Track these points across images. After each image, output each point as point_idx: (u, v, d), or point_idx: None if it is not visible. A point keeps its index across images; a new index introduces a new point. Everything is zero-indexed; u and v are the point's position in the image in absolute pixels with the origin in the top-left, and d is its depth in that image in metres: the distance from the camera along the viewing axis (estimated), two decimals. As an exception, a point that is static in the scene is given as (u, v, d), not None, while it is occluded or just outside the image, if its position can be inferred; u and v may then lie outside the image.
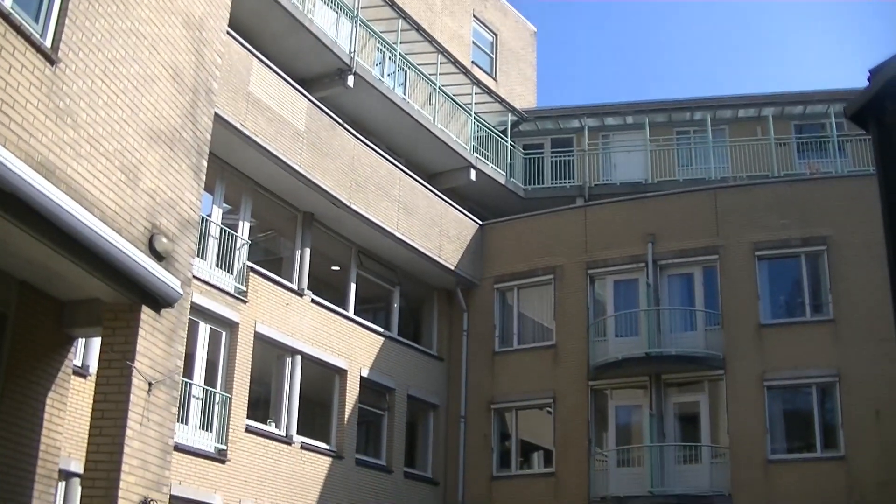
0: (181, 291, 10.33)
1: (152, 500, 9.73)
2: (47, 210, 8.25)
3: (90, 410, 9.89)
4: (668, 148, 34.28)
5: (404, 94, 31.26)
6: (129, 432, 9.55)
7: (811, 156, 32.71)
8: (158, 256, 10.12)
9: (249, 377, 22.63)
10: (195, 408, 21.06)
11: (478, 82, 34.37)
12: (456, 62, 33.09)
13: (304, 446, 24.03)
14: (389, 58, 31.29)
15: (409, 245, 27.50)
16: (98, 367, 10.07)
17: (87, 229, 8.74)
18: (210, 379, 21.82)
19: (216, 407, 21.59)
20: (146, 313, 9.90)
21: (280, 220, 25.72)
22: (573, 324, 28.43)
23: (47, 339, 10.45)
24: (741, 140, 33.35)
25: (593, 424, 27.63)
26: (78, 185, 9.06)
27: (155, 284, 9.82)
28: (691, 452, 26.44)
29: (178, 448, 17.54)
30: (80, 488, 10.47)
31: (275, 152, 22.82)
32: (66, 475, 16.16)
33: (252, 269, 23.18)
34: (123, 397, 9.64)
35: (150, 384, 9.84)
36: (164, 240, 10.20)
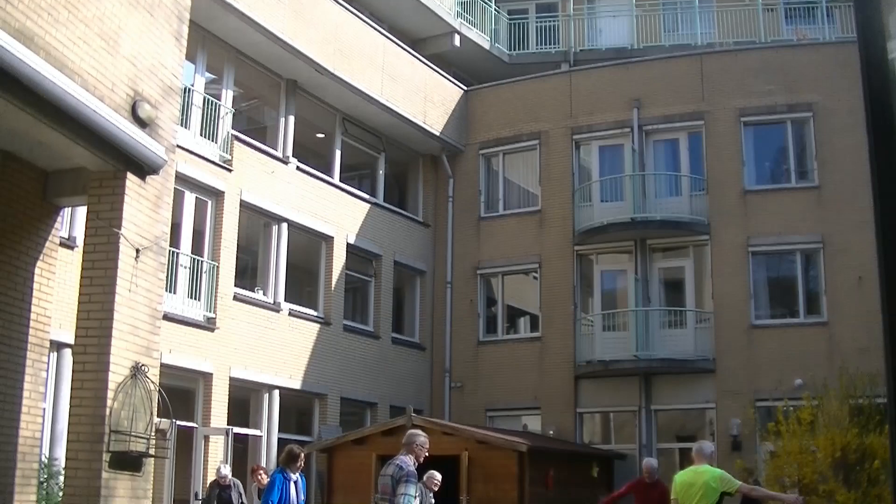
0: (166, 158, 10.26)
1: (143, 365, 9.82)
2: (28, 78, 8.14)
3: (78, 279, 9.92)
4: (654, 13, 33.79)
5: (387, -42, 30.68)
6: (118, 298, 9.59)
7: (799, 21, 32.28)
8: (142, 123, 10.02)
9: (236, 245, 22.72)
10: (183, 277, 21.17)
11: (462, -55, 33.75)
12: (439, -76, 32.43)
13: (291, 313, 24.23)
14: (372, -80, 30.62)
15: (394, 111, 27.31)
16: (85, 236, 10.05)
17: (69, 97, 8.64)
18: (197, 248, 21.89)
19: (204, 275, 21.70)
20: (131, 180, 9.85)
21: (263, 88, 25.51)
22: (558, 189, 28.46)
23: (33, 209, 10.41)
24: (728, 5, 32.89)
25: (579, 289, 27.87)
26: (58, 52, 8.92)
27: (139, 151, 9.75)
28: (676, 317, 26.76)
29: (167, 317, 17.67)
30: (71, 357, 10.54)
31: (256, 19, 22.47)
32: (57, 346, 16.33)
33: (236, 138, 23.06)
34: (111, 264, 9.64)
35: (137, 251, 9.85)
36: (147, 106, 10.10)
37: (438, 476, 15.97)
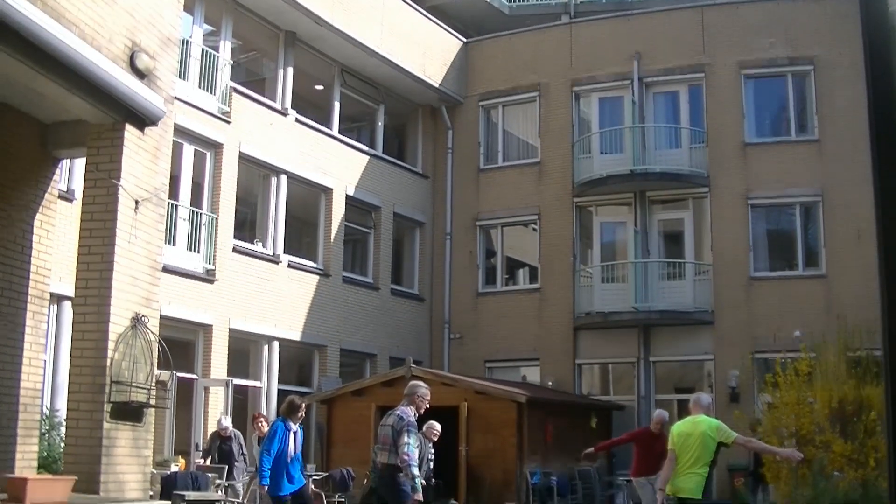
0: (164, 109, 10.24)
1: (143, 316, 9.86)
2: (26, 28, 8.09)
3: (78, 232, 9.93)
4: (655, -37, 33.58)
5: None
6: (117, 250, 9.60)
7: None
8: (140, 74, 9.99)
9: (235, 197, 22.70)
10: (182, 229, 21.17)
11: None
12: None
13: (291, 265, 24.27)
14: None
15: (393, 63, 27.18)
16: (84, 187, 10.05)
17: (66, 48, 8.60)
18: (196, 200, 21.88)
19: (203, 228, 21.71)
20: (130, 132, 9.83)
21: (262, 40, 25.38)
22: (558, 141, 28.40)
23: (32, 162, 10.39)
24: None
25: (578, 241, 27.90)
26: (55, 2, 8.88)
27: (138, 102, 9.73)
28: (675, 269, 26.79)
29: (167, 269, 17.68)
30: (71, 309, 10.58)
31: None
32: (57, 299, 16.36)
33: (235, 90, 22.99)
34: (111, 216, 9.65)
35: (136, 202, 9.85)
36: (146, 57, 10.06)
37: (438, 427, 16.08)
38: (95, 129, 9.92)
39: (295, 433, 13.15)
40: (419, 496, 11.09)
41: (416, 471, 11.67)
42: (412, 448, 10.82)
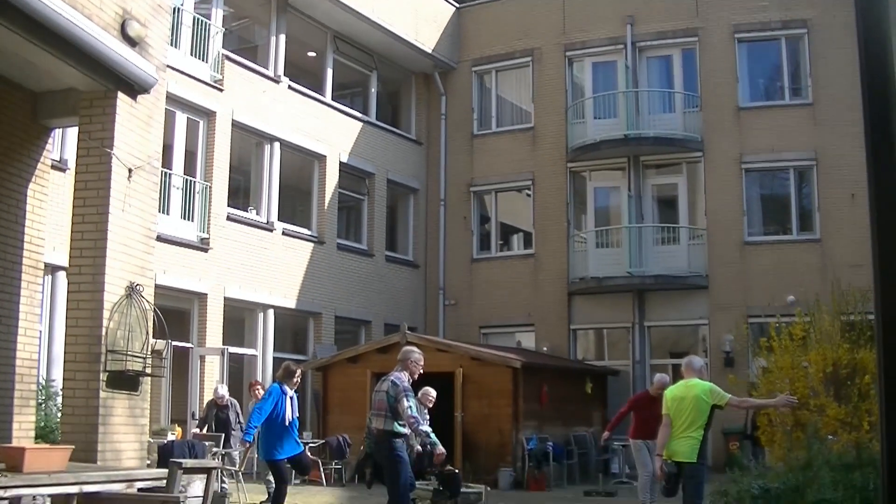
0: (156, 77, 10.19)
1: (138, 285, 9.86)
2: (14, -4, 8.07)
3: (71, 201, 9.92)
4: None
5: None
6: (111, 218, 9.59)
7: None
8: (131, 42, 9.94)
9: (228, 165, 22.67)
10: (176, 198, 21.14)
11: None
12: None
13: (285, 233, 24.26)
14: None
15: (385, 29, 27.04)
16: (77, 156, 10.02)
17: (57, 15, 8.54)
18: (189, 169, 21.83)
19: (197, 196, 21.67)
20: (122, 100, 9.79)
21: (254, 7, 25.23)
22: (551, 106, 28.35)
23: (24, 131, 10.36)
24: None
25: (572, 206, 27.91)
26: (45, -30, 8.83)
27: (129, 70, 9.68)
28: (669, 234, 26.82)
29: (161, 238, 17.67)
30: (66, 278, 10.57)
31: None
32: (51, 269, 16.36)
33: (227, 58, 22.90)
34: (104, 184, 9.62)
35: (129, 170, 9.83)
36: (137, 25, 10.00)
37: (433, 393, 16.10)
38: (87, 97, 9.88)
39: (291, 398, 13.19)
40: (440, 449, 11.07)
41: (426, 428, 11.76)
42: (414, 410, 10.84)
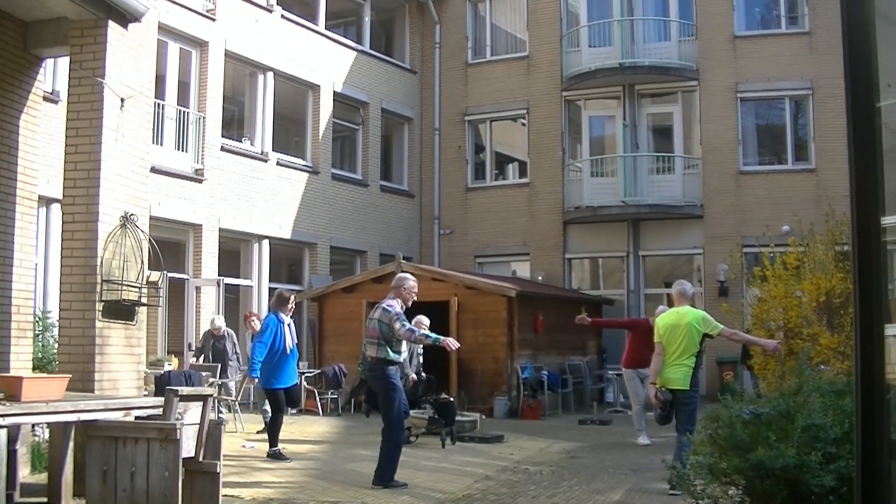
0: (147, 5, 10.12)
1: (133, 214, 9.86)
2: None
3: (64, 132, 9.88)
4: None
5: None
6: (104, 148, 9.57)
7: None
8: (122, -29, 9.87)
9: (222, 96, 22.54)
10: (169, 128, 21.05)
11: None
12: None
13: (279, 163, 24.20)
14: None
15: (379, -43, 26.80)
16: (69, 86, 9.97)
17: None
18: (182, 99, 21.71)
19: (190, 127, 21.58)
20: (113, 29, 9.72)
21: (245, -68, 24.95)
22: (546, 34, 28.15)
23: (14, 61, 10.29)
24: None
25: (567, 135, 27.82)
26: None
27: (120, -1, 9.64)
28: (664, 163, 26.77)
29: (156, 169, 17.64)
30: (61, 209, 10.57)
31: None
32: (46, 202, 16.34)
33: (219, -15, 22.68)
34: (96, 114, 9.59)
35: (122, 100, 9.79)
36: (127, -47, 9.92)
37: (427, 321, 16.15)
38: (78, 26, 9.81)
39: (288, 325, 13.26)
40: (450, 341, 10.98)
41: (425, 332, 11.86)
42: (407, 324, 10.79)
